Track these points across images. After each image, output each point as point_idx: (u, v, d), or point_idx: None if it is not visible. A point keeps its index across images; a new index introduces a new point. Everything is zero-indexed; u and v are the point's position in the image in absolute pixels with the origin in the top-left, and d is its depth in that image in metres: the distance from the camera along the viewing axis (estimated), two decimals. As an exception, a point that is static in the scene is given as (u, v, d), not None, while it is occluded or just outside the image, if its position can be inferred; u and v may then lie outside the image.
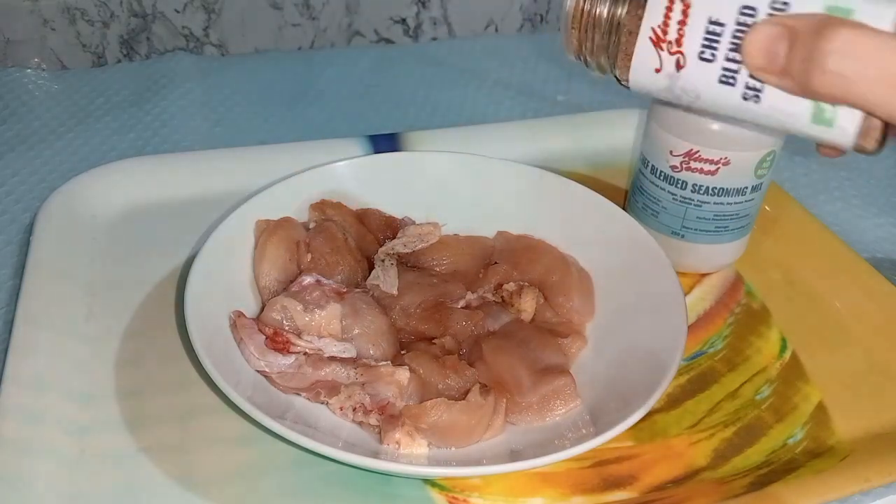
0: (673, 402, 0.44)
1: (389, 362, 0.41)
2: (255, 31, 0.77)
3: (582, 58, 0.36)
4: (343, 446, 0.36)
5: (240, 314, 0.42)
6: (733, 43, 0.30)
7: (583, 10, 0.34)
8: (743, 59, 0.30)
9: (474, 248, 0.50)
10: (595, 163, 0.62)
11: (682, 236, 0.50)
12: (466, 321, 0.45)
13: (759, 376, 0.46)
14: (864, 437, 0.42)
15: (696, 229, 0.50)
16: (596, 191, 0.50)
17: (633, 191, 0.53)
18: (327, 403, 0.40)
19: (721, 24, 0.30)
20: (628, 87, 0.35)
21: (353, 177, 0.51)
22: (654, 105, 0.49)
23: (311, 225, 0.49)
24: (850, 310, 0.50)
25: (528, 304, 0.46)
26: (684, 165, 0.48)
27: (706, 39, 0.31)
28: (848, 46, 0.26)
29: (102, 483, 0.37)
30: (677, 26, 0.31)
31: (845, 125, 0.29)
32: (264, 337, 0.41)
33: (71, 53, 0.73)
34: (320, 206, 0.50)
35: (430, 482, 0.39)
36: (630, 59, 0.33)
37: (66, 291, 0.46)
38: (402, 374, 0.40)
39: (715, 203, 0.48)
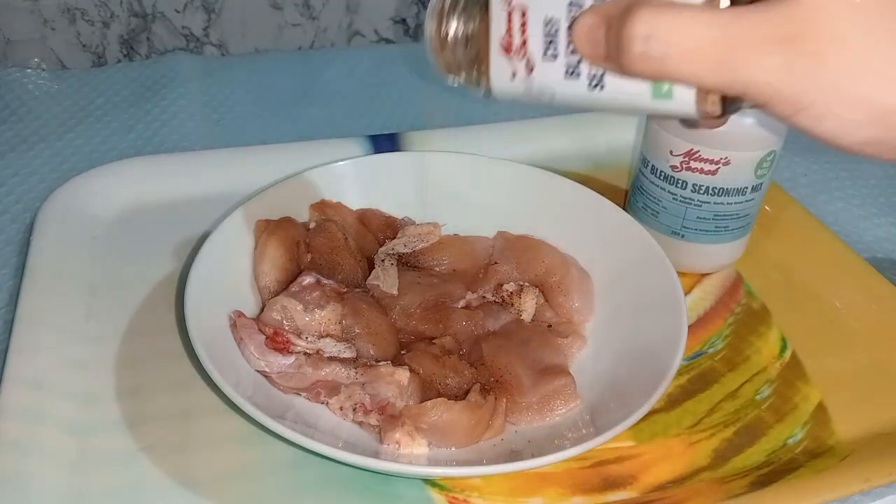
0: (673, 402, 0.44)
1: (389, 362, 0.41)
2: (255, 31, 0.77)
3: (453, 77, 0.38)
4: (343, 446, 0.36)
5: (240, 314, 0.42)
6: (569, 37, 0.32)
7: (440, 31, 0.36)
8: (576, 48, 0.31)
9: (474, 248, 0.50)
10: (595, 163, 0.62)
11: (682, 236, 0.50)
12: (466, 321, 0.45)
13: (759, 376, 0.46)
14: (864, 437, 0.42)
15: (696, 229, 0.50)
16: (596, 191, 0.50)
17: (633, 191, 0.53)
18: (327, 403, 0.40)
19: (556, 22, 0.32)
20: (496, 98, 0.36)
21: (353, 177, 0.51)
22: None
23: (311, 225, 0.49)
24: (850, 310, 0.50)
25: (528, 304, 0.46)
26: (684, 165, 0.48)
27: (546, 39, 0.32)
28: (649, 28, 0.27)
29: (102, 483, 0.37)
30: (520, 32, 0.33)
31: (682, 96, 0.30)
32: (264, 337, 0.41)
33: (71, 53, 0.73)
34: (320, 206, 0.50)
35: (430, 482, 0.39)
36: (488, 71, 0.35)
37: (66, 291, 0.46)
38: (402, 374, 0.40)
39: (715, 203, 0.48)
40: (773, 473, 0.40)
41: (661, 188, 0.50)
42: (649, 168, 0.50)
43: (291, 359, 0.41)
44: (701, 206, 0.49)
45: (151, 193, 0.54)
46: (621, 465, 0.40)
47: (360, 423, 0.40)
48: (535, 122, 0.65)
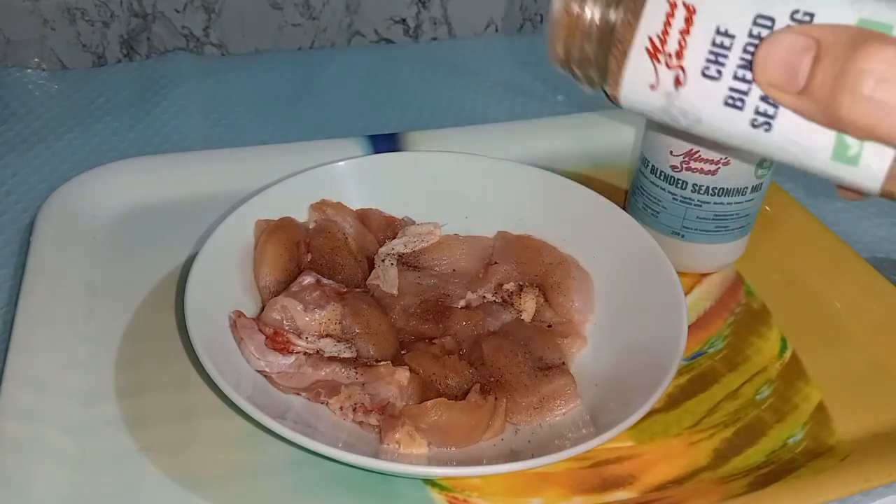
0: (673, 402, 0.44)
1: (389, 362, 0.41)
2: (255, 31, 0.77)
3: (568, 69, 0.31)
4: (343, 446, 0.36)
5: (240, 314, 0.42)
6: (744, 58, 0.26)
7: (570, 13, 0.29)
8: (755, 73, 0.25)
9: (474, 248, 0.50)
10: (595, 163, 0.62)
11: (682, 236, 0.50)
12: (466, 321, 0.45)
13: (759, 376, 0.46)
14: (864, 437, 0.42)
15: (696, 229, 0.50)
16: (596, 191, 0.50)
17: (633, 191, 0.53)
18: (327, 403, 0.40)
19: (731, 36, 0.26)
20: (619, 105, 0.30)
21: (353, 177, 0.51)
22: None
23: (311, 225, 0.49)
24: (850, 310, 0.50)
25: (528, 304, 0.46)
26: (684, 165, 0.48)
27: (712, 52, 0.26)
28: (887, 69, 0.22)
29: (102, 483, 0.37)
30: (678, 36, 0.27)
31: (872, 165, 0.25)
32: (264, 337, 0.41)
33: (71, 53, 0.73)
34: (320, 206, 0.50)
35: (430, 482, 0.39)
36: (621, 73, 0.29)
37: (66, 291, 0.46)
38: (402, 374, 0.40)
39: (715, 203, 0.48)
40: (773, 473, 0.40)
41: (661, 188, 0.50)
42: (649, 168, 0.50)
43: (291, 359, 0.41)
44: (701, 206, 0.49)
45: (151, 193, 0.54)
46: (621, 465, 0.40)
47: (360, 423, 0.40)
48: (535, 122, 0.65)
